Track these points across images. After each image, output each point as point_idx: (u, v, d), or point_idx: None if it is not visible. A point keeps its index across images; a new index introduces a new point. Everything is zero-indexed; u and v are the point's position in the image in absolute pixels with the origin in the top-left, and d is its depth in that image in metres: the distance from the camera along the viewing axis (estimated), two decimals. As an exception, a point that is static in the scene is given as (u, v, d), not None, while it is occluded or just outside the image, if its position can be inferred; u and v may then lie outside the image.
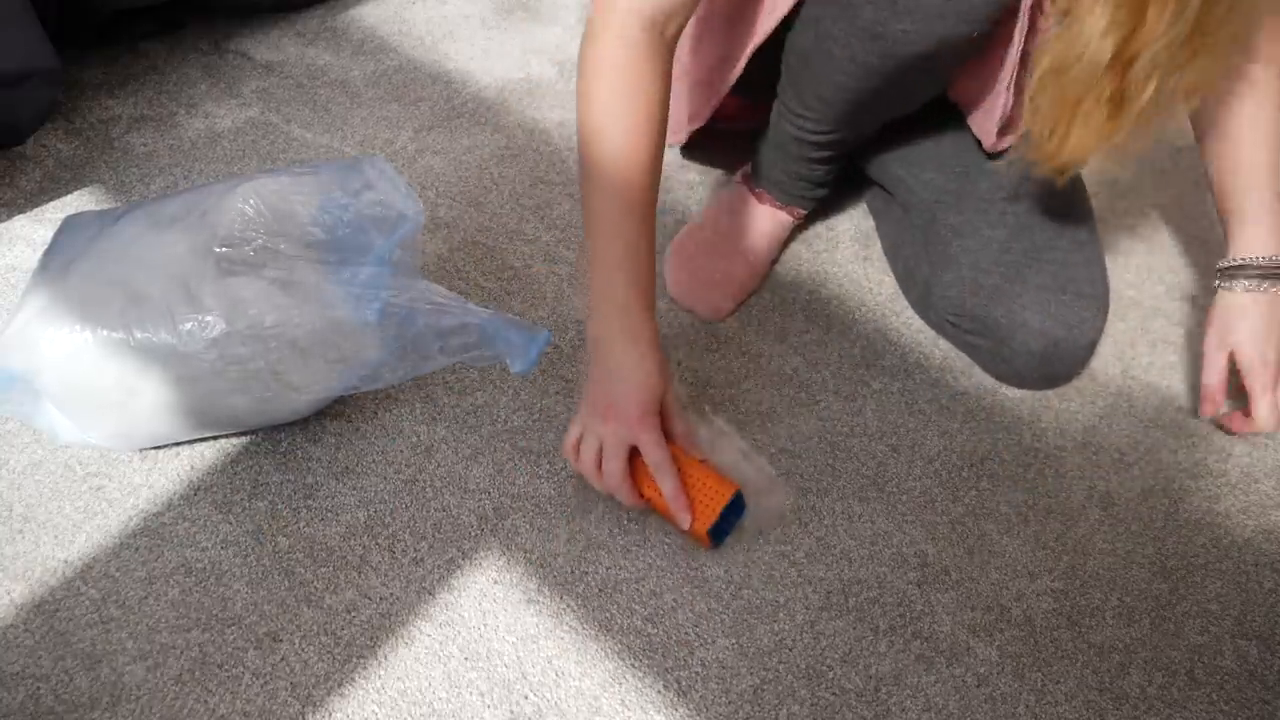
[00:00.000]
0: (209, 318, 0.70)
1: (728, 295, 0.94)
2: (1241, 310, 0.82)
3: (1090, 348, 0.87)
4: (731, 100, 0.97)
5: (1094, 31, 0.65)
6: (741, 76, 0.89)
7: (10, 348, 0.72)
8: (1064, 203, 0.88)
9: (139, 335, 0.70)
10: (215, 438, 0.82)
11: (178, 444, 0.81)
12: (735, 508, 0.75)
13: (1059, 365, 0.86)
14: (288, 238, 0.74)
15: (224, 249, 0.72)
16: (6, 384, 0.72)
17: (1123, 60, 0.66)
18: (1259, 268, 0.81)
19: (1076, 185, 0.91)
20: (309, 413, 0.82)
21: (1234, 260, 0.82)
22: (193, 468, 0.80)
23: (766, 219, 0.97)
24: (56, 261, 0.75)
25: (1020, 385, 0.90)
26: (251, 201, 0.74)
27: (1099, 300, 0.85)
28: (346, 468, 0.81)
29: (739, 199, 0.99)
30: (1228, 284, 0.82)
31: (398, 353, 0.75)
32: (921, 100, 0.87)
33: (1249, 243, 0.81)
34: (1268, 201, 0.80)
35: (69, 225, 0.79)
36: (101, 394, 0.72)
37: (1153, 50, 0.64)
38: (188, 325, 0.70)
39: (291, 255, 0.74)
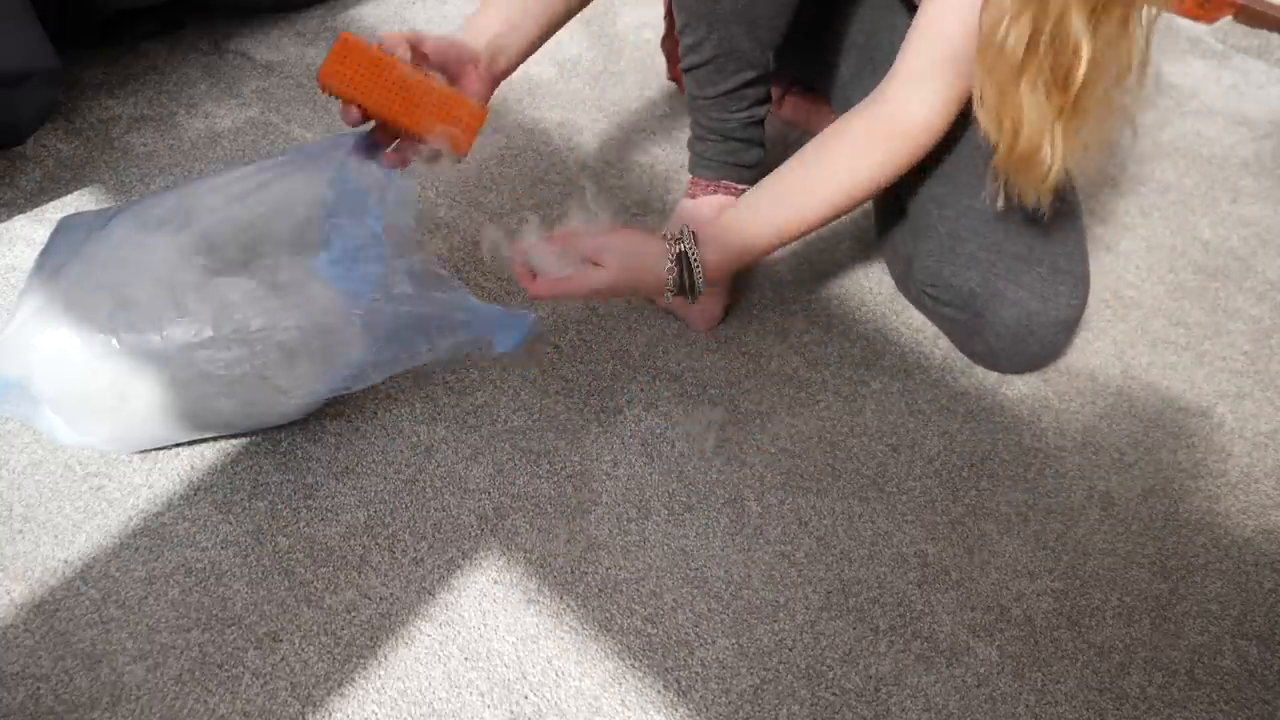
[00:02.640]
0: (194, 322, 0.70)
1: (710, 297, 0.92)
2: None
3: (1067, 327, 0.86)
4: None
5: (1003, 8, 0.64)
6: None
7: (6, 352, 0.72)
8: None
9: (127, 340, 0.70)
10: (215, 439, 0.82)
11: (177, 445, 0.81)
12: None
13: (1033, 342, 0.86)
14: (272, 235, 0.74)
15: (207, 251, 0.72)
16: (4, 388, 0.72)
17: (1045, 33, 0.64)
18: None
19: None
20: (298, 416, 0.82)
21: None
22: (193, 468, 0.80)
23: (707, 207, 0.96)
24: (50, 264, 0.75)
25: (996, 365, 0.90)
26: (235, 200, 0.74)
27: (1076, 277, 0.85)
28: (346, 468, 0.81)
29: (684, 206, 0.98)
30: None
31: (383, 351, 0.75)
32: None
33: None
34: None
35: (64, 226, 0.79)
36: (94, 398, 0.72)
37: (1074, 15, 0.63)
38: (173, 330, 0.70)
39: (276, 252, 0.73)
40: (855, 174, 0.80)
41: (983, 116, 0.72)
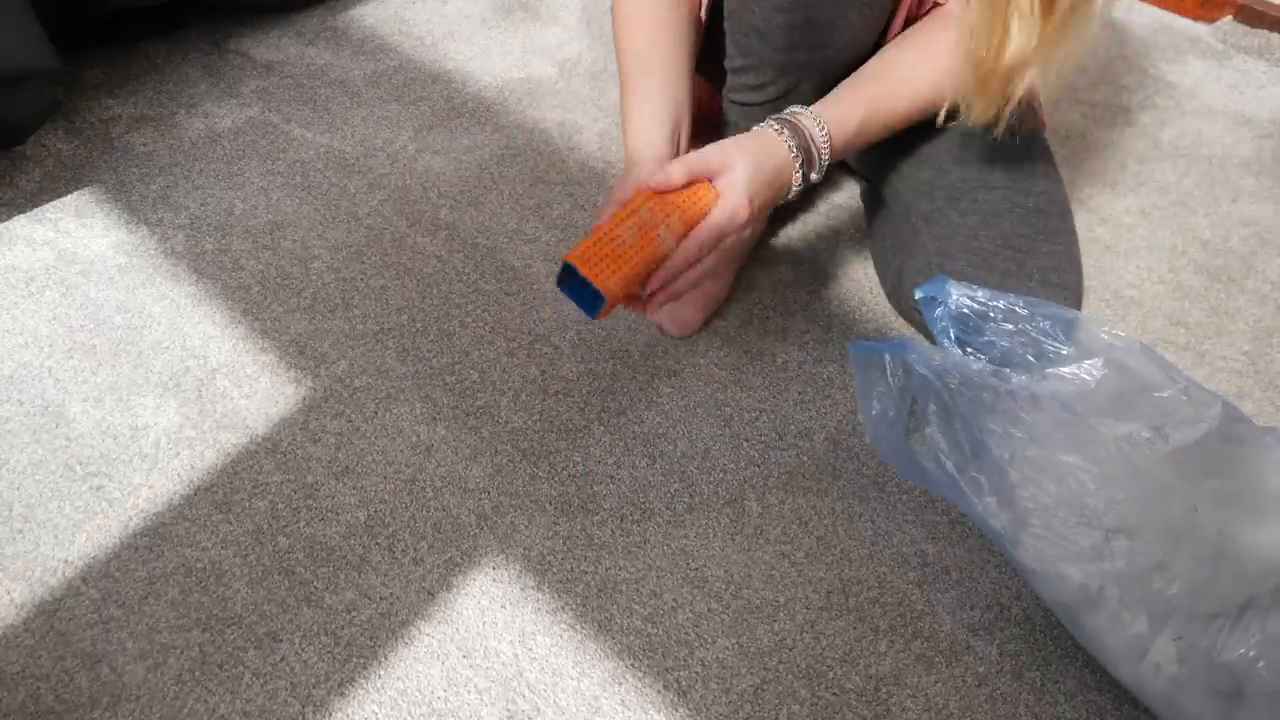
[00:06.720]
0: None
1: (696, 307, 0.92)
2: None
3: None
4: (703, 86, 0.96)
5: None
6: (706, 61, 0.90)
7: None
8: (1037, 192, 0.87)
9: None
10: (217, 443, 0.82)
11: (178, 443, 0.81)
12: (577, 283, 0.72)
13: None
14: None
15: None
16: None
17: None
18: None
19: (1051, 174, 0.90)
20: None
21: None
22: (193, 468, 0.80)
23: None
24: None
25: None
26: None
27: (1067, 289, 0.84)
28: (346, 468, 0.81)
29: None
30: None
31: None
32: (855, 44, 0.86)
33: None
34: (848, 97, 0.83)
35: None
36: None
37: None
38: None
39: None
40: (919, 70, 0.83)
41: (976, 34, 0.72)
